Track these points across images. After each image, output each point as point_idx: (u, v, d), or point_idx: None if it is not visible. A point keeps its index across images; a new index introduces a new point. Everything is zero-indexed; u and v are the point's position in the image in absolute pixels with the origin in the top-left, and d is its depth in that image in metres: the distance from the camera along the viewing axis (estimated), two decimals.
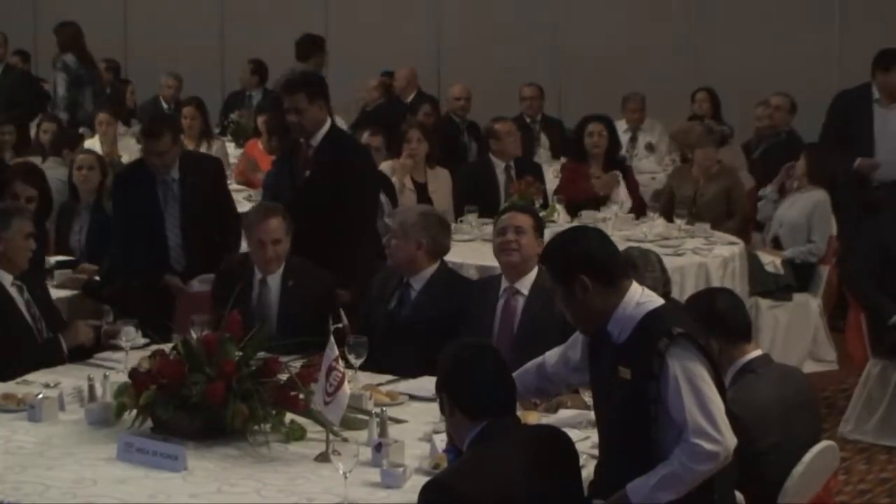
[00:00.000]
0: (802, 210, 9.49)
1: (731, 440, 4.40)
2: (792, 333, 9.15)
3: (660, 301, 4.64)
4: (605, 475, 4.61)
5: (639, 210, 9.99)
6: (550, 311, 5.78)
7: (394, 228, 6.68)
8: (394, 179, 9.58)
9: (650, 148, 12.35)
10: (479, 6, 14.18)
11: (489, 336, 6.13)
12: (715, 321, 5.12)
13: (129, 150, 11.59)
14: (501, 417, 4.36)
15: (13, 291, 6.55)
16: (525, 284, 6.27)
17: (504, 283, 6.35)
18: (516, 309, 6.27)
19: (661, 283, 5.78)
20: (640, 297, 4.60)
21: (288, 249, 6.76)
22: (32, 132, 11.82)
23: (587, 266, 4.56)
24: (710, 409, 4.38)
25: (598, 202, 9.77)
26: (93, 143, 11.28)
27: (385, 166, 9.67)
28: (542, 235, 6.37)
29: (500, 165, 10.18)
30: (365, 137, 9.61)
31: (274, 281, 6.74)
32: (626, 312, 4.55)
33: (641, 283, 5.50)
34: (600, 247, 4.67)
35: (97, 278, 8.07)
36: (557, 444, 4.52)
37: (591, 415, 5.30)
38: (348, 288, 7.03)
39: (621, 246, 6.33)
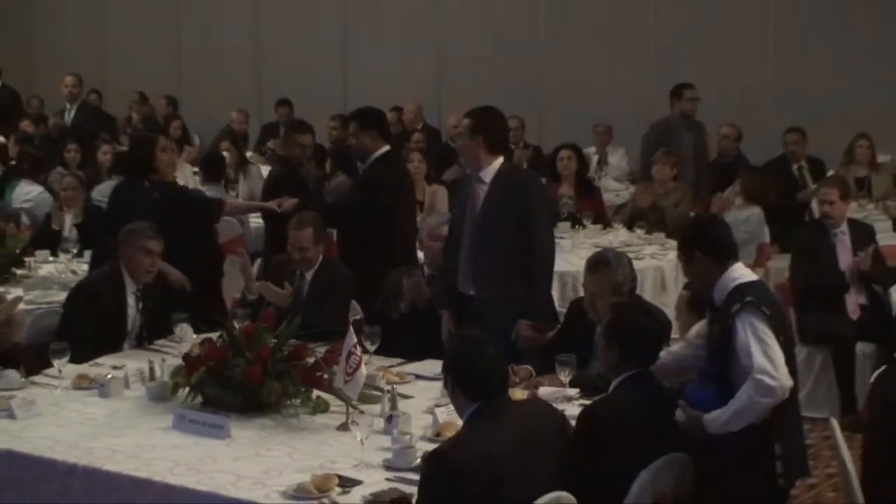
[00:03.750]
0: (737, 223, 9.52)
1: (787, 380, 4.64)
2: None
3: (752, 278, 4.91)
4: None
5: (604, 221, 10.01)
6: (507, 196, 6.15)
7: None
8: None
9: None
10: (473, 52, 14.15)
11: (462, 216, 6.32)
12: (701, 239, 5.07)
13: (184, 174, 11.60)
14: (494, 399, 4.36)
15: (131, 300, 6.50)
16: (489, 173, 6.31)
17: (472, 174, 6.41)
18: (479, 194, 6.31)
19: (630, 279, 5.77)
20: (736, 273, 4.86)
21: (320, 252, 6.79)
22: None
23: (699, 243, 4.90)
24: (771, 354, 4.62)
25: (572, 216, 9.77)
26: None
27: None
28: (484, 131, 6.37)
29: None
30: None
31: (309, 275, 6.75)
32: (724, 283, 4.82)
33: (614, 277, 5.60)
34: (715, 232, 5.00)
35: None
36: (549, 417, 4.55)
37: (566, 391, 5.36)
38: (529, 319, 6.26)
39: (591, 251, 6.38)
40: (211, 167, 10.49)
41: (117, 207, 7.66)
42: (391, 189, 7.63)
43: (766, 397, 4.60)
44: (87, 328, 6.23)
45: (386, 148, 7.69)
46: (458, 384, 4.37)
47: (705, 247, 4.88)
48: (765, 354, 4.62)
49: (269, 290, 6.61)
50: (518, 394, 5.18)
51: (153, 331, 6.52)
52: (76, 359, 5.77)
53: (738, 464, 4.70)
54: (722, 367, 4.73)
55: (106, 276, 6.62)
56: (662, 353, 4.99)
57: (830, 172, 10.15)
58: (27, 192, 10.01)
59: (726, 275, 4.84)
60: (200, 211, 7.87)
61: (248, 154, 13.13)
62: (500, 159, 6.38)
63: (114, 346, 6.33)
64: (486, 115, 6.50)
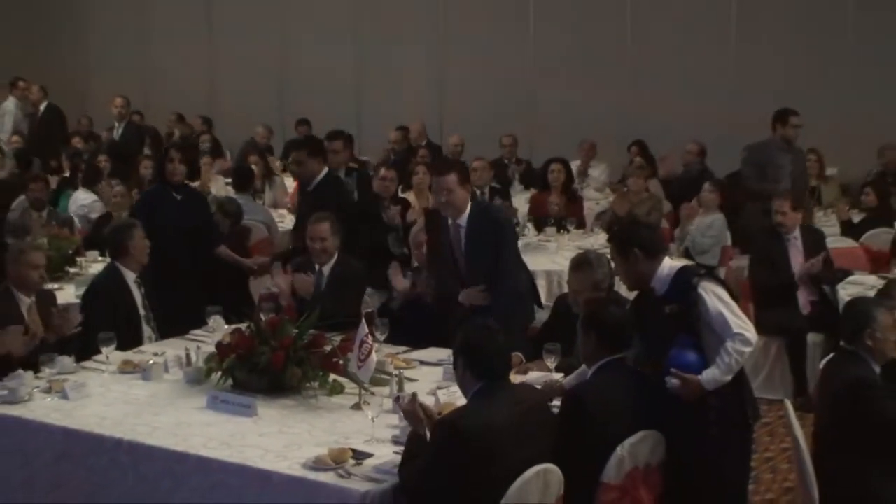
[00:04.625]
0: (702, 229, 9.54)
1: (754, 330, 4.74)
2: None
3: (683, 262, 5.00)
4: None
5: (584, 226, 10.02)
6: (484, 232, 6.17)
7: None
8: (412, 199, 9.71)
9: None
10: (471, 77, 14.15)
11: (451, 250, 6.30)
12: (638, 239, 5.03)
13: (217, 184, 11.63)
14: (497, 380, 4.39)
15: (134, 288, 6.49)
16: (463, 219, 6.27)
17: (450, 220, 6.34)
18: (460, 234, 6.29)
19: (609, 277, 5.76)
20: (670, 262, 4.91)
21: (336, 246, 6.73)
22: None
23: (637, 243, 4.88)
24: (737, 312, 4.72)
25: (558, 222, 9.79)
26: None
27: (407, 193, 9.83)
28: (468, 181, 6.37)
29: (477, 192, 10.29)
30: (382, 172, 9.63)
31: (326, 269, 6.71)
32: (662, 272, 4.83)
33: (595, 276, 5.61)
34: (647, 233, 4.99)
35: None
36: (535, 398, 4.58)
37: (553, 376, 5.36)
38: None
39: (575, 253, 6.39)
40: (241, 178, 10.50)
41: (142, 208, 7.78)
42: (350, 200, 7.90)
43: (748, 347, 4.67)
44: (103, 320, 6.09)
45: (326, 170, 7.79)
46: (469, 365, 4.37)
47: (642, 245, 4.87)
48: (734, 314, 4.69)
49: (300, 281, 6.60)
50: (511, 377, 5.19)
51: (158, 310, 6.51)
52: (97, 347, 5.75)
53: (717, 420, 4.71)
54: (695, 333, 4.71)
55: (106, 274, 6.60)
56: None
57: None
58: (81, 200, 10.04)
59: (662, 266, 4.85)
60: (207, 224, 7.98)
61: (278, 163, 13.14)
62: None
63: (134, 330, 6.28)
64: (462, 165, 6.54)
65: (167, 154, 7.84)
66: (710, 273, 4.90)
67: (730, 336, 4.65)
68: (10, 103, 14.24)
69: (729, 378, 4.67)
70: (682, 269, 4.84)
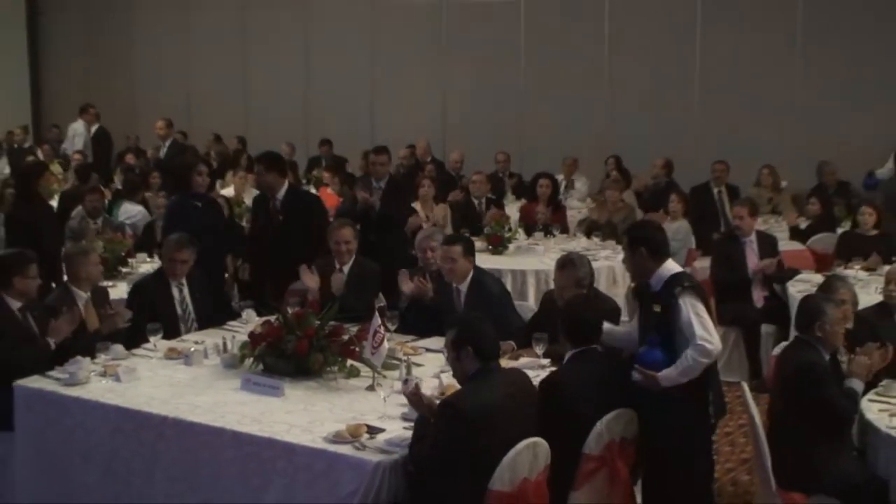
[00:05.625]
0: (670, 234, 9.47)
1: (719, 344, 4.69)
2: None
3: (679, 269, 4.86)
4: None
5: (567, 231, 10.02)
6: (483, 298, 6.01)
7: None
8: (418, 209, 9.64)
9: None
10: (469, 101, 14.14)
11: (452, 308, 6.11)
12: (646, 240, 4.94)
13: (250, 195, 11.57)
14: (490, 362, 4.38)
15: (174, 290, 6.37)
16: (465, 284, 6.18)
17: (453, 284, 6.24)
18: (460, 298, 6.19)
19: (589, 275, 5.75)
20: (670, 266, 4.81)
21: (356, 246, 6.74)
22: None
23: (644, 243, 4.81)
24: (707, 325, 4.64)
25: (545, 228, 9.78)
26: (228, 190, 11.32)
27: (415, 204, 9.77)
28: (471, 253, 6.22)
29: (476, 202, 10.26)
30: None
31: (346, 268, 6.71)
32: (660, 273, 4.76)
33: (577, 274, 5.58)
34: (654, 235, 4.89)
35: None
36: (524, 380, 4.56)
37: (540, 361, 5.37)
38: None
39: (560, 254, 6.38)
40: None
41: (171, 217, 7.79)
42: (319, 210, 7.71)
43: (705, 358, 4.61)
44: (143, 315, 6.01)
45: (287, 183, 7.57)
46: (468, 350, 4.33)
47: (648, 246, 4.83)
48: (703, 326, 4.62)
49: (335, 279, 6.58)
50: (503, 363, 5.18)
51: (199, 312, 6.39)
52: (139, 339, 5.74)
53: (677, 408, 4.69)
54: (666, 335, 4.68)
55: (152, 276, 6.56)
56: (613, 327, 5.00)
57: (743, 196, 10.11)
58: (129, 210, 10.03)
59: (662, 268, 4.79)
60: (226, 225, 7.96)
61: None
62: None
63: (172, 327, 6.16)
64: (468, 241, 6.37)
65: (196, 168, 7.81)
66: (695, 286, 4.70)
67: (693, 345, 4.60)
68: (80, 125, 14.31)
69: (685, 380, 4.62)
70: (674, 276, 4.75)
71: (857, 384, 4.89)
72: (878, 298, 6.41)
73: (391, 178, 8.90)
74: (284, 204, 7.47)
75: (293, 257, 6.87)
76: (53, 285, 6.56)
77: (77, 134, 14.30)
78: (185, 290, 6.40)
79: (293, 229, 7.34)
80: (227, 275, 7.66)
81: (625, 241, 5.07)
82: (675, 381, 4.62)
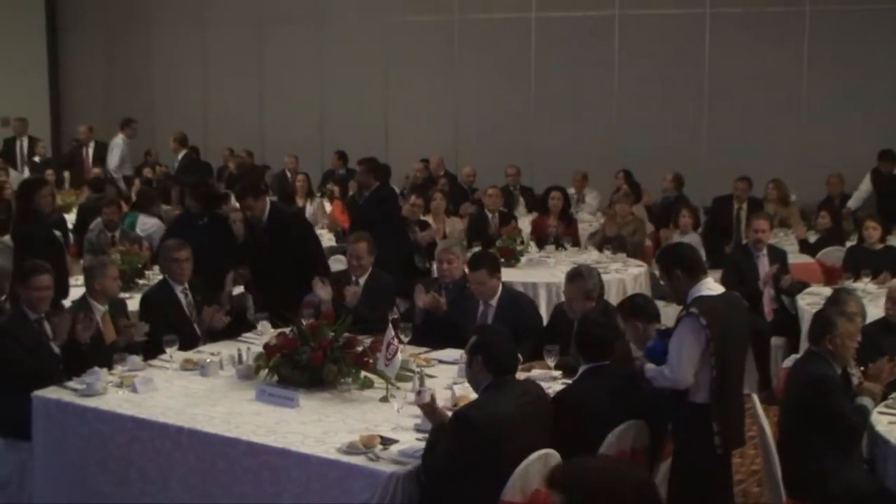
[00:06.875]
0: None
1: (683, 378, 4.54)
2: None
3: (715, 291, 4.68)
4: None
5: (579, 244, 10.00)
6: (513, 314, 6.00)
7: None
8: (431, 222, 9.66)
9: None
10: (481, 117, 14.13)
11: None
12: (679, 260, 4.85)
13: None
14: (505, 375, 4.38)
15: (181, 296, 6.46)
16: (494, 300, 6.22)
17: (481, 303, 6.26)
18: (489, 314, 6.22)
19: (599, 288, 5.75)
20: (706, 286, 4.68)
21: (371, 261, 6.75)
22: None
23: (679, 264, 4.71)
24: (682, 354, 4.52)
25: (556, 241, 9.77)
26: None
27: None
28: (497, 270, 6.25)
29: (489, 215, 10.24)
30: (412, 199, 9.62)
31: (362, 280, 6.73)
32: (695, 291, 4.65)
33: (586, 286, 5.54)
34: (689, 254, 4.78)
35: None
36: (537, 390, 4.55)
37: (552, 373, 5.35)
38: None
39: (570, 267, 6.36)
40: (283, 197, 10.54)
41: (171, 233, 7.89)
42: (303, 230, 7.71)
43: (664, 381, 4.58)
44: (158, 325, 6.06)
45: (267, 202, 7.51)
46: (483, 363, 4.34)
47: (683, 266, 4.74)
48: (678, 353, 4.53)
49: (349, 291, 6.59)
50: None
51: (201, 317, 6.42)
52: (155, 350, 5.76)
53: (682, 438, 4.65)
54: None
55: (157, 287, 6.62)
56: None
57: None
58: (145, 223, 10.05)
59: (697, 285, 4.69)
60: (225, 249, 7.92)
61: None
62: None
63: (187, 331, 6.20)
64: (494, 259, 6.42)
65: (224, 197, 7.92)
66: (702, 314, 4.50)
67: (666, 363, 4.60)
68: (119, 139, 14.24)
69: (656, 384, 4.61)
70: (696, 300, 4.62)
71: (868, 402, 4.87)
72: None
73: (377, 189, 9.01)
74: (268, 225, 7.39)
75: (289, 274, 6.98)
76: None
77: (115, 147, 14.16)
78: (189, 296, 6.47)
79: (282, 248, 7.34)
80: (227, 290, 7.61)
81: (659, 269, 5.03)
82: (652, 379, 4.64)
